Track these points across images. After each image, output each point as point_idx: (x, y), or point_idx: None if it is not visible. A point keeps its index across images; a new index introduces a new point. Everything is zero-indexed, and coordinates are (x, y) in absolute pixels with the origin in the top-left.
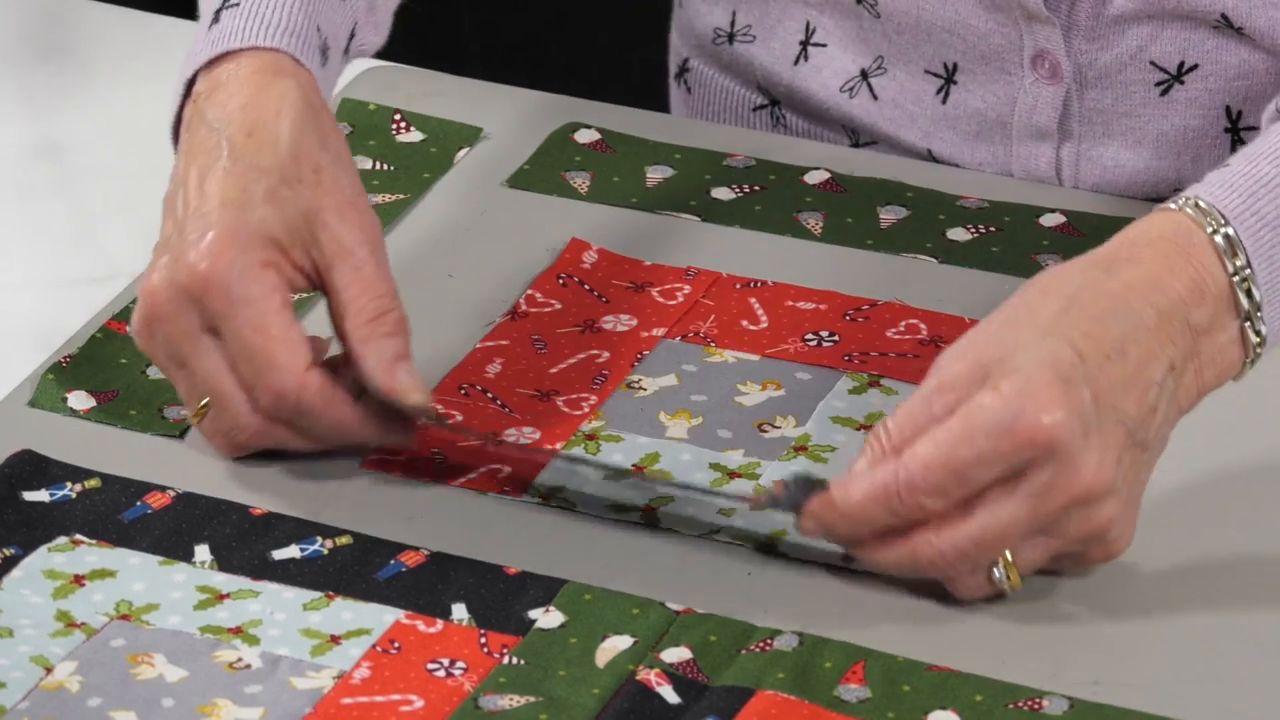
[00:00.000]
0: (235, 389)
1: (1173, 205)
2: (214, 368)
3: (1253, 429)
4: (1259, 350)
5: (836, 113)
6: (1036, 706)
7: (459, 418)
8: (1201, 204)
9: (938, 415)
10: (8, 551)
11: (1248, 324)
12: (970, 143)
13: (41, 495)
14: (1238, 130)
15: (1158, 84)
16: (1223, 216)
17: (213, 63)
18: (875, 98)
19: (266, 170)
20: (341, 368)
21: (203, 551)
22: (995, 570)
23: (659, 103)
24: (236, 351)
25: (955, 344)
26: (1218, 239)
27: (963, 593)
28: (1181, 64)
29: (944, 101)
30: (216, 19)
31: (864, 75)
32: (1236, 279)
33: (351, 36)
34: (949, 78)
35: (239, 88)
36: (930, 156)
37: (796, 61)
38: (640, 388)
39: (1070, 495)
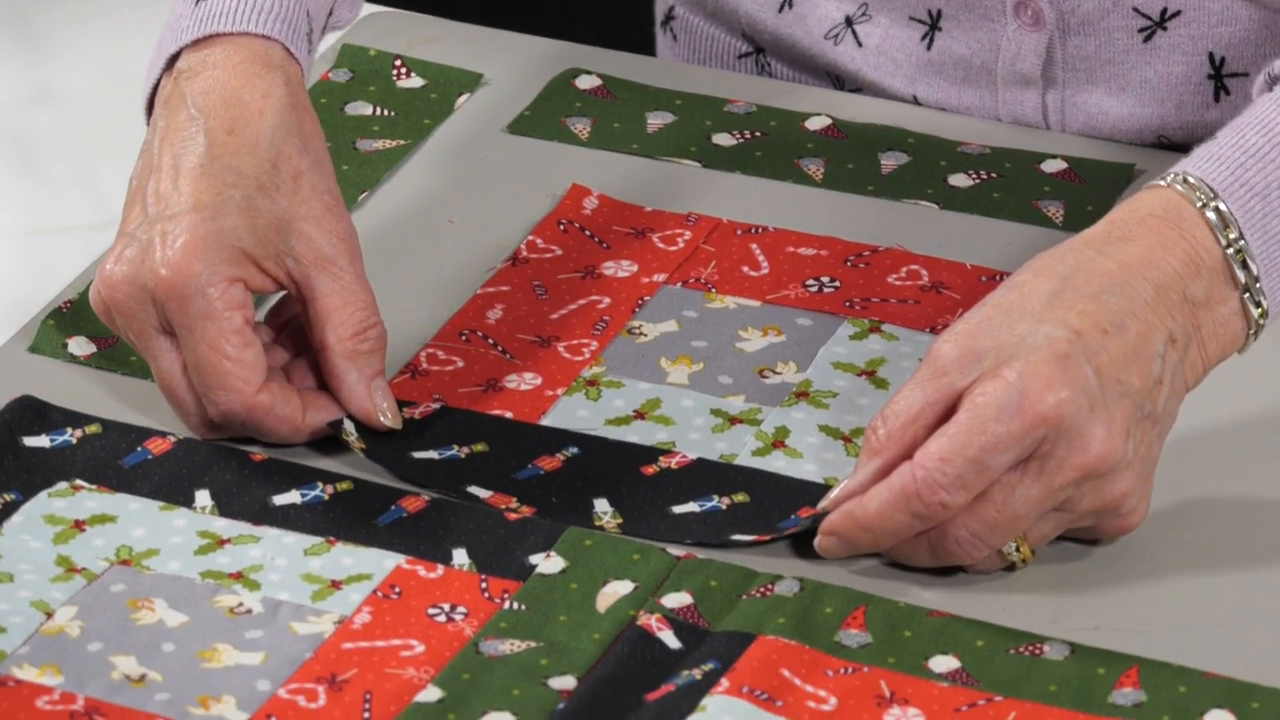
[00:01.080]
0: (186, 392)
1: (1161, 182)
2: (167, 368)
3: (1251, 376)
4: (1261, 322)
5: (821, 60)
6: (1037, 652)
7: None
8: (1190, 179)
9: (932, 401)
10: (8, 497)
11: (1246, 296)
12: (956, 89)
13: (42, 441)
14: (1221, 76)
15: (1140, 30)
16: (1211, 190)
17: (198, 42)
18: (860, 45)
19: (244, 175)
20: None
21: (203, 497)
22: (1006, 545)
23: (650, 51)
24: (190, 362)
25: (948, 330)
26: (1208, 213)
27: (976, 569)
28: (1164, 10)
29: (929, 48)
30: None
31: (848, 22)
32: (1231, 251)
33: (329, 14)
34: (933, 24)
35: (225, 77)
36: (916, 103)
37: (781, 9)
38: (641, 333)
39: (1081, 469)
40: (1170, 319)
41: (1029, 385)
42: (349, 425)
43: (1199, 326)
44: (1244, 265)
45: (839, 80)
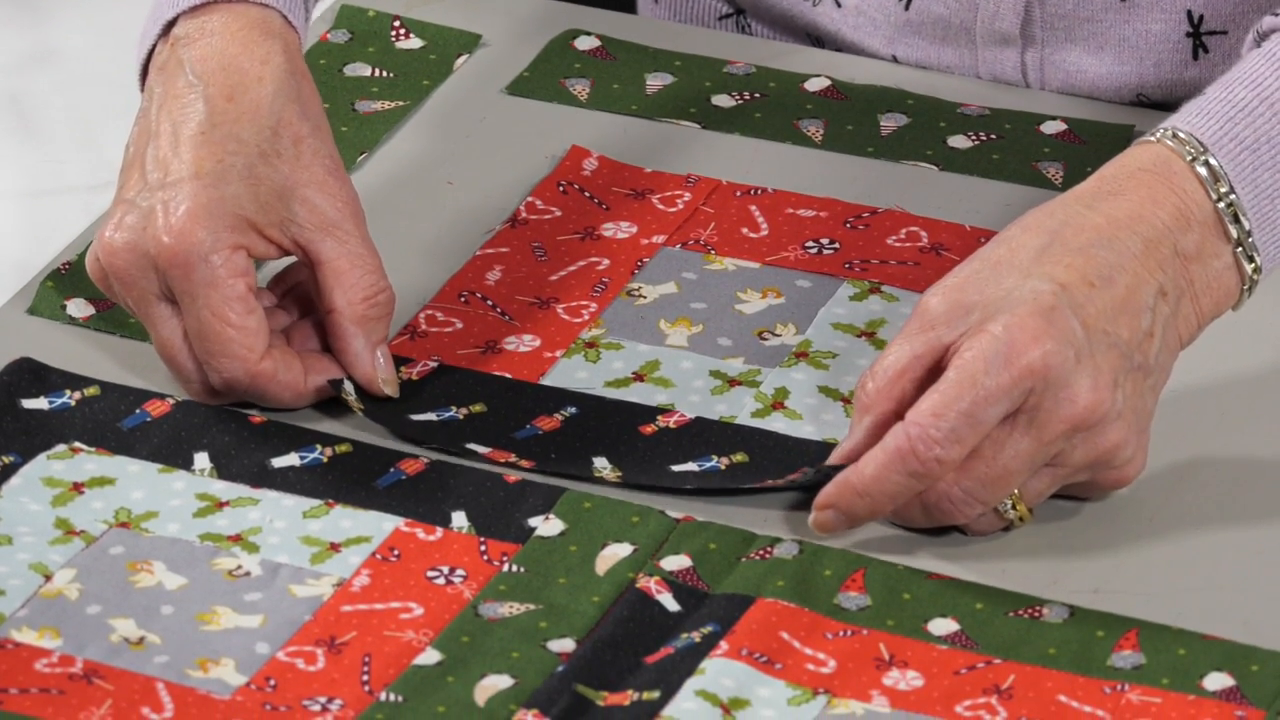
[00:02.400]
0: (188, 359)
1: (1151, 137)
2: (168, 335)
3: (1249, 336)
4: (1255, 277)
5: (801, 21)
6: (1037, 614)
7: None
8: (1180, 134)
9: (920, 354)
10: (7, 459)
11: (1239, 251)
12: (935, 48)
13: (40, 403)
14: (1199, 34)
15: None
16: (1201, 144)
17: (195, 8)
18: (839, 5)
19: (245, 143)
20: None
21: (202, 459)
22: (1002, 504)
23: (631, 13)
24: (193, 329)
25: (936, 284)
26: (1199, 168)
27: (974, 531)
28: None
29: (907, 8)
30: None
31: None
32: (1222, 205)
33: None
34: None
35: (224, 44)
36: (895, 63)
37: None
38: (640, 295)
39: (1069, 421)
40: (1160, 272)
41: (1015, 338)
42: (349, 386)
43: (1191, 280)
44: (1235, 220)
45: (818, 41)
